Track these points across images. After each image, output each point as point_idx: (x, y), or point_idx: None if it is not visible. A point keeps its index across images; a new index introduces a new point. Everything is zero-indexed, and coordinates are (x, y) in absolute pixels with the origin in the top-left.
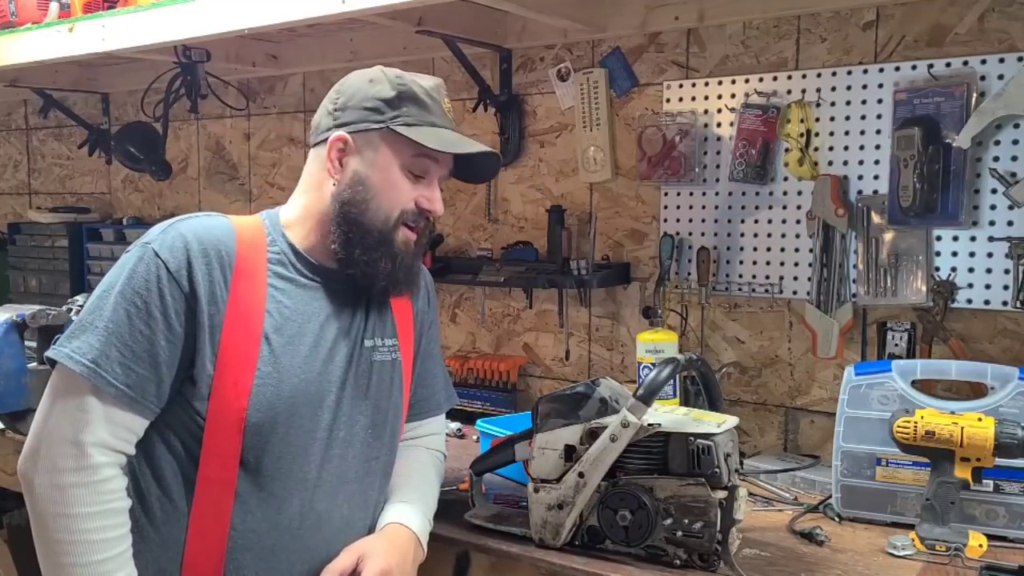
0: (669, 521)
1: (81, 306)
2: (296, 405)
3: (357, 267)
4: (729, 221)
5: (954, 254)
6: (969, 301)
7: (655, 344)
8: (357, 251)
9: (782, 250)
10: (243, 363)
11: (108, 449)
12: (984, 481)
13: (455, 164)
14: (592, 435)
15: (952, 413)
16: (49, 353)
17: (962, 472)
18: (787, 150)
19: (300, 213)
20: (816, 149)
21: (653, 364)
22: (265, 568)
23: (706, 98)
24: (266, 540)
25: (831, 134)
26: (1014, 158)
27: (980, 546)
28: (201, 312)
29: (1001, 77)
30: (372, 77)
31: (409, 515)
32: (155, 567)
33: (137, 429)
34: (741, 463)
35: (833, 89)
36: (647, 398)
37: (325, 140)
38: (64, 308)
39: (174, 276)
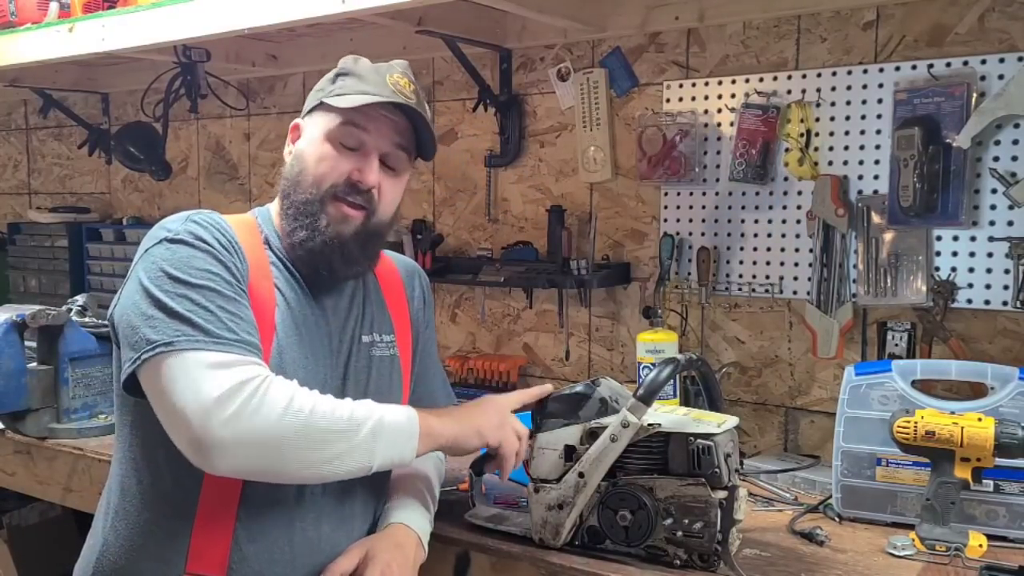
0: (669, 521)
1: (82, 306)
2: None
3: (296, 250)
4: (729, 221)
5: (954, 254)
6: (969, 301)
7: (655, 344)
8: (299, 228)
9: (782, 250)
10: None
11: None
12: (984, 481)
13: (415, 146)
14: (592, 435)
15: (952, 413)
16: (146, 356)
17: (962, 472)
18: (787, 150)
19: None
20: (816, 149)
21: (653, 364)
22: (268, 560)
23: (706, 98)
24: (271, 532)
25: (831, 134)
26: (1014, 158)
27: (980, 546)
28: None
29: (1001, 77)
30: (335, 71)
31: (410, 515)
32: (159, 559)
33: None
34: (741, 463)
35: (833, 89)
36: (647, 398)
37: None
38: (64, 308)
39: (215, 250)
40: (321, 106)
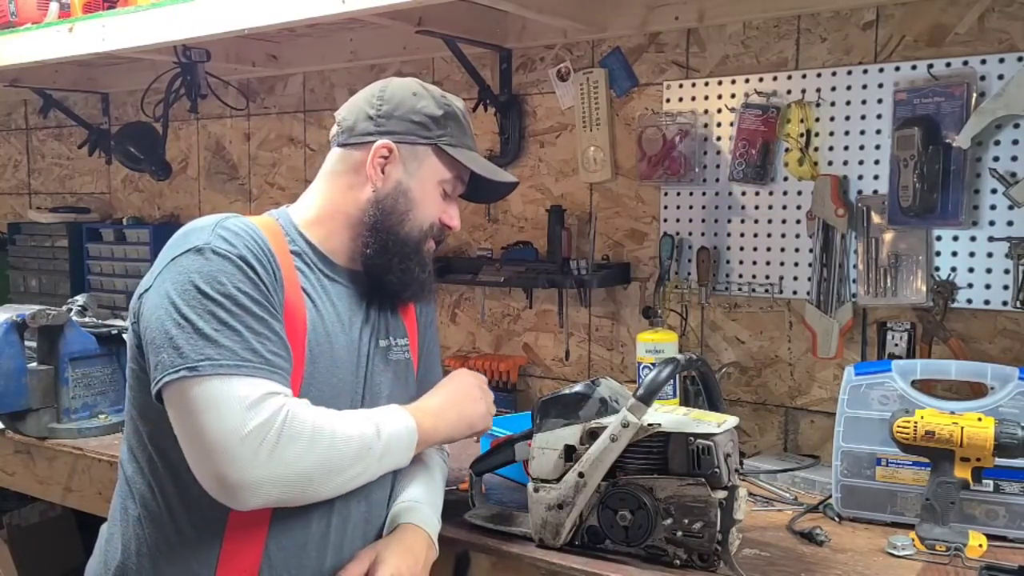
0: (669, 521)
1: (82, 306)
2: (330, 404)
3: (393, 274)
4: (729, 221)
5: (954, 254)
6: (969, 301)
7: (655, 344)
8: (395, 260)
9: (782, 250)
10: (294, 364)
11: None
12: (984, 481)
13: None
14: (592, 435)
15: (952, 413)
16: (168, 378)
17: (962, 472)
18: (787, 150)
19: (322, 213)
20: (816, 149)
21: (653, 364)
22: (296, 565)
23: (706, 98)
24: (299, 537)
25: (831, 134)
26: (1014, 158)
27: (980, 546)
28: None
29: (1001, 77)
30: (415, 91)
31: (420, 515)
32: (186, 569)
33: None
34: (741, 463)
35: (833, 89)
36: (647, 398)
37: (363, 144)
38: (64, 308)
39: (246, 262)
40: (434, 148)
